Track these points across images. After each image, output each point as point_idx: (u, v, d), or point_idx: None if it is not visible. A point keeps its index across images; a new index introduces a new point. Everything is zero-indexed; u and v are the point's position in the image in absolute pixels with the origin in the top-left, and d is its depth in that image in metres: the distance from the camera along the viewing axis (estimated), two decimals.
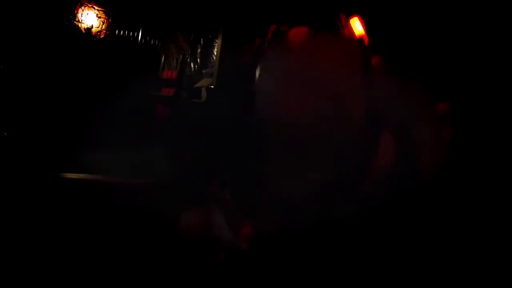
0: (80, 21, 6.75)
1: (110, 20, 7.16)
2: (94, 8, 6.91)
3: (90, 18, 6.86)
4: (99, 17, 7.01)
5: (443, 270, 1.82)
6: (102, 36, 7.10)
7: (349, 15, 1.91)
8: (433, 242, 1.82)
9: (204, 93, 5.78)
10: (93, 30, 6.94)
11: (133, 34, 7.45)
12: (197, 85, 6.19)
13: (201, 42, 6.82)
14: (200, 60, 6.82)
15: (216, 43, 6.28)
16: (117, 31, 7.26)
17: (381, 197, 1.39)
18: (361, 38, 1.76)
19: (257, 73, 1.83)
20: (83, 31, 6.80)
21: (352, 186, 1.38)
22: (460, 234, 1.89)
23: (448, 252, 1.86)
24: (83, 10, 6.78)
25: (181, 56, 7.19)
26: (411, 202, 1.52)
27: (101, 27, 7.06)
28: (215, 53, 6.21)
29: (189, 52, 7.01)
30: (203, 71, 6.51)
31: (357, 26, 1.78)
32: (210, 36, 6.60)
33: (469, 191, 1.88)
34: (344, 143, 1.32)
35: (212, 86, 5.48)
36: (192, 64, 6.94)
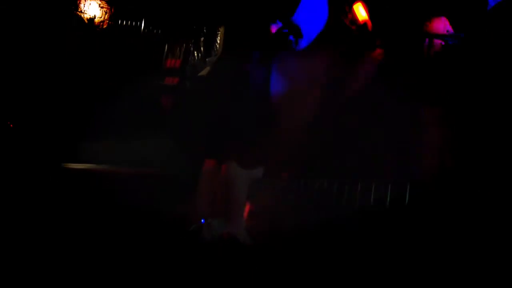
0: (83, 11, 6.74)
1: (112, 10, 7.14)
2: None
3: (92, 9, 6.84)
4: (102, 7, 6.99)
5: (443, 270, 1.82)
6: (105, 26, 7.08)
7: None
8: (433, 242, 1.81)
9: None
10: (96, 20, 6.93)
11: (136, 23, 7.42)
12: (201, 73, 6.17)
13: (204, 30, 6.78)
14: (203, 49, 6.79)
15: (219, 31, 6.24)
16: (119, 21, 7.24)
17: (381, 197, 1.38)
18: (364, 24, 1.74)
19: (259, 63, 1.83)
20: (86, 21, 6.79)
21: (352, 185, 1.38)
22: (461, 234, 1.89)
23: (448, 252, 1.86)
24: (85, 1, 6.76)
25: (184, 45, 7.15)
26: (411, 202, 1.52)
27: (104, 17, 7.04)
28: (218, 42, 6.18)
29: (192, 41, 6.97)
30: (207, 59, 6.48)
31: (360, 11, 1.76)
32: (213, 25, 6.56)
33: (469, 191, 1.87)
34: (341, 140, 1.32)
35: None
36: (195, 52, 6.91)
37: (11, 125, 4.77)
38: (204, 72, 6.02)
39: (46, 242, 2.74)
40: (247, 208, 1.55)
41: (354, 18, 1.74)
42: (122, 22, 7.28)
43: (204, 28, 6.78)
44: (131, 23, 7.38)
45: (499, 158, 1.76)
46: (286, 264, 1.44)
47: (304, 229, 1.41)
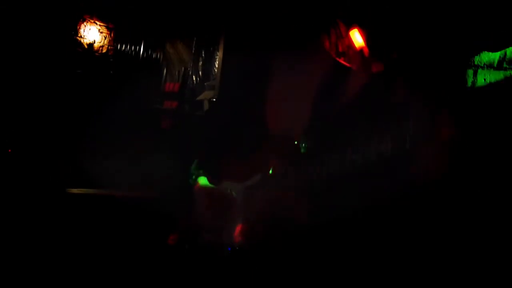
0: (83, 36, 6.81)
1: (112, 35, 7.23)
2: (96, 24, 6.97)
3: (92, 33, 6.92)
4: (101, 32, 7.07)
5: (443, 271, 1.81)
6: (104, 51, 7.15)
7: (349, 24, 1.92)
8: (433, 242, 1.81)
9: (206, 106, 5.81)
10: (95, 45, 7.00)
11: (135, 48, 7.51)
12: (199, 97, 6.22)
13: (203, 54, 6.86)
14: (201, 73, 6.86)
15: (217, 55, 6.32)
16: (119, 46, 7.32)
17: (380, 196, 1.38)
18: (361, 50, 1.77)
19: (259, 84, 1.85)
20: (86, 46, 6.86)
21: (351, 186, 1.38)
22: (461, 235, 1.89)
23: (449, 253, 1.86)
24: (85, 26, 6.84)
25: (183, 69, 7.23)
26: (411, 202, 1.52)
27: (103, 42, 7.12)
28: (217, 66, 6.25)
29: (191, 65, 7.05)
30: (205, 83, 6.55)
31: (356, 37, 1.79)
32: (211, 49, 6.65)
33: (470, 191, 1.87)
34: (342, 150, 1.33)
35: (214, 99, 5.51)
36: (194, 76, 6.98)
37: (9, 150, 4.77)
38: (202, 97, 6.07)
39: (51, 269, 2.73)
40: (242, 212, 1.55)
41: (350, 44, 1.76)
42: (121, 46, 7.37)
43: (203, 52, 6.87)
44: (131, 47, 7.47)
45: (501, 158, 1.77)
46: (287, 264, 1.43)
47: (301, 230, 1.40)
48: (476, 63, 2.09)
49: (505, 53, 2.08)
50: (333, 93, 1.51)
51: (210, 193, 1.67)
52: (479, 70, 2.08)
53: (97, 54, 7.05)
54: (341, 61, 1.57)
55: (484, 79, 2.08)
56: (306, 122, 1.52)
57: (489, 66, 2.08)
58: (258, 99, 1.68)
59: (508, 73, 2.01)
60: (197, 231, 1.68)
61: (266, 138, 1.60)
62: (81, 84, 6.61)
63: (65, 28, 6.55)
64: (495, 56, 2.14)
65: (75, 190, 3.97)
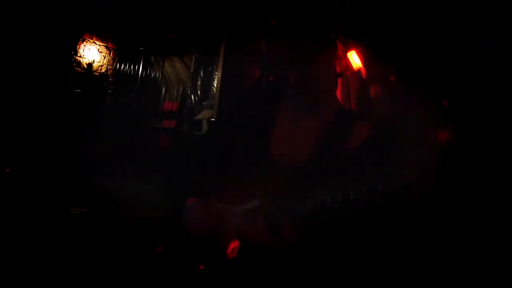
0: (82, 56, 6.86)
1: (111, 54, 7.28)
2: (96, 43, 7.03)
3: (91, 53, 6.97)
4: (101, 52, 7.13)
5: (443, 270, 1.80)
6: (103, 71, 7.20)
7: (347, 36, 1.94)
8: (432, 243, 1.79)
9: (205, 125, 5.82)
10: (95, 64, 7.05)
11: (134, 67, 7.56)
12: (198, 117, 6.23)
13: (201, 74, 6.90)
14: (200, 92, 6.89)
15: (215, 75, 6.35)
16: (118, 65, 7.38)
17: (369, 201, 1.36)
18: (358, 71, 1.78)
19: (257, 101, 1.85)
20: (85, 65, 6.90)
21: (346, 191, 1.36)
22: (460, 236, 1.87)
23: (448, 253, 1.84)
24: (85, 46, 6.89)
25: (181, 88, 7.26)
26: (406, 207, 1.50)
27: (103, 62, 7.17)
28: (215, 85, 6.27)
29: (189, 84, 7.08)
30: (204, 103, 6.56)
31: (354, 59, 1.80)
32: (210, 68, 6.69)
33: (469, 192, 1.86)
34: (340, 162, 1.32)
35: (213, 119, 5.53)
36: (192, 96, 7.00)
37: (7, 170, 4.75)
38: (201, 116, 6.09)
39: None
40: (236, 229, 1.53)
41: (348, 66, 1.78)
42: (120, 65, 7.42)
43: (201, 71, 6.91)
44: (129, 66, 7.52)
45: (500, 158, 1.76)
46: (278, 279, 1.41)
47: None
48: None
49: None
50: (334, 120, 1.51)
51: (203, 208, 1.66)
52: None
53: (96, 73, 7.10)
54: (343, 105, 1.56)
55: None
56: (307, 144, 1.51)
57: None
58: (257, 119, 1.68)
59: None
60: (192, 245, 1.66)
61: (265, 160, 1.59)
62: (81, 103, 6.63)
63: (65, 48, 6.59)
64: None
65: (76, 210, 3.98)
